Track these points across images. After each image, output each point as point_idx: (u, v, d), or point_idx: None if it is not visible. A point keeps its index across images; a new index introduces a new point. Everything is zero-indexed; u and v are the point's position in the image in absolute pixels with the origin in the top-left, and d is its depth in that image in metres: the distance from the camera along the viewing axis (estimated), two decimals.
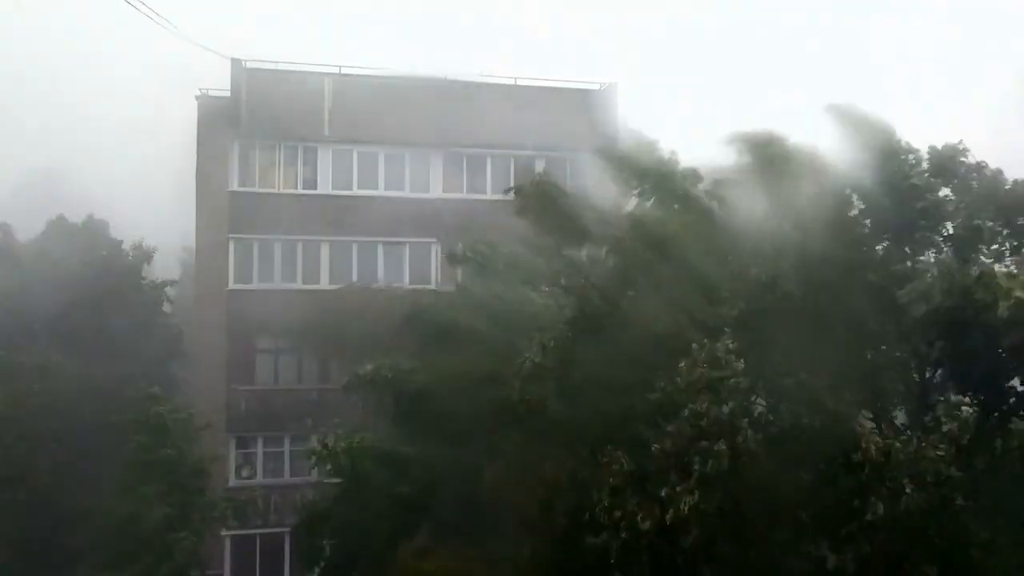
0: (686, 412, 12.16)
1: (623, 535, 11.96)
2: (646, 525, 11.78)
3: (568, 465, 12.65)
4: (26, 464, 27.63)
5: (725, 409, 11.96)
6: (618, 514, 11.95)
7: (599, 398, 13.55)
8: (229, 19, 62.17)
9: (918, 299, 14.20)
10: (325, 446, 20.63)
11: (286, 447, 30.60)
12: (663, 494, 11.83)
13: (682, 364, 12.55)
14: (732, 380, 12.21)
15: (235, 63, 30.87)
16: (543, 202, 15.87)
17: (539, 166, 32.39)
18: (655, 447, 12.36)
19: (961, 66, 70.46)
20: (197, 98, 31.72)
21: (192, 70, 34.82)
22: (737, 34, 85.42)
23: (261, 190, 31.27)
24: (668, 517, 11.65)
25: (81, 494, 26.43)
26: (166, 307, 37.43)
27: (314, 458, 21.72)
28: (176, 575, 23.36)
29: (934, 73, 68.49)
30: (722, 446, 11.60)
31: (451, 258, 22.08)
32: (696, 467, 11.72)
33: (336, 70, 31.75)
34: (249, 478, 30.18)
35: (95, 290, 32.74)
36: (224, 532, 28.27)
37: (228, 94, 31.09)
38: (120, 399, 27.49)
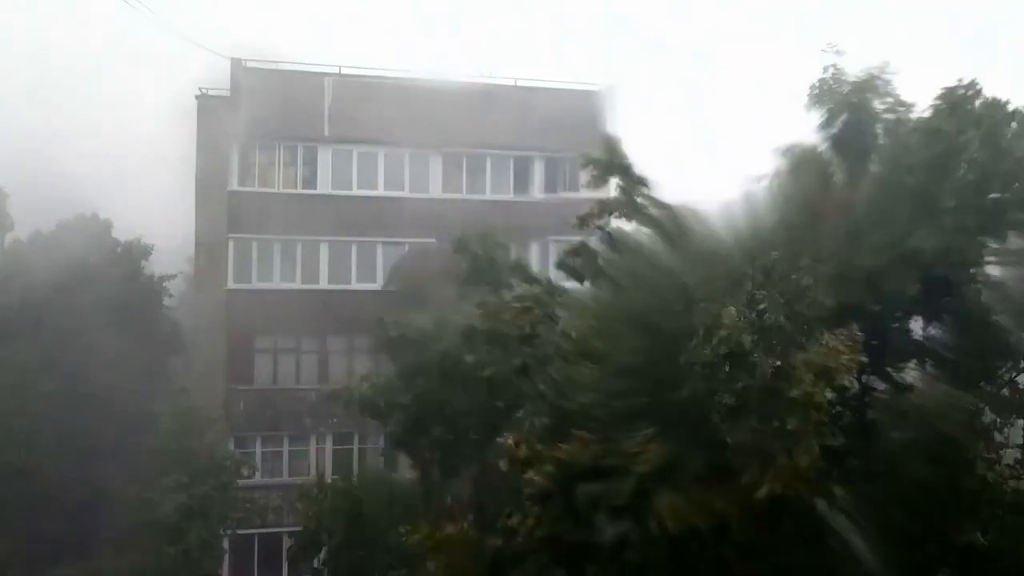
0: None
1: (648, 527, 11.87)
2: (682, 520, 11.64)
3: (593, 449, 12.53)
4: (37, 453, 27.82)
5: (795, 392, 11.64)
6: (643, 503, 11.83)
7: (632, 385, 13.39)
8: (229, 18, 62.13)
9: None
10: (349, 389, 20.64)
11: (285, 447, 30.60)
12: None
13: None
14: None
15: (235, 63, 30.91)
16: (612, 158, 15.30)
17: (538, 167, 32.48)
18: (729, 440, 12.11)
19: None
20: (197, 97, 31.71)
21: (192, 69, 34.80)
22: (735, 32, 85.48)
23: (261, 190, 31.28)
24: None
25: (98, 483, 26.62)
26: (167, 302, 37.46)
27: (342, 401, 21.72)
28: (189, 563, 23.50)
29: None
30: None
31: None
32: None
33: (336, 70, 31.76)
34: (248, 478, 30.13)
35: (97, 287, 32.80)
36: (222, 532, 28.26)
37: (228, 94, 31.10)
38: (132, 393, 27.59)
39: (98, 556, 25.75)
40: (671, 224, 14.95)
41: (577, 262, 16.26)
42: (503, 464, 13.27)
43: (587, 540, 12.68)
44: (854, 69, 16.96)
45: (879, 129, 16.69)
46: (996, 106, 15.81)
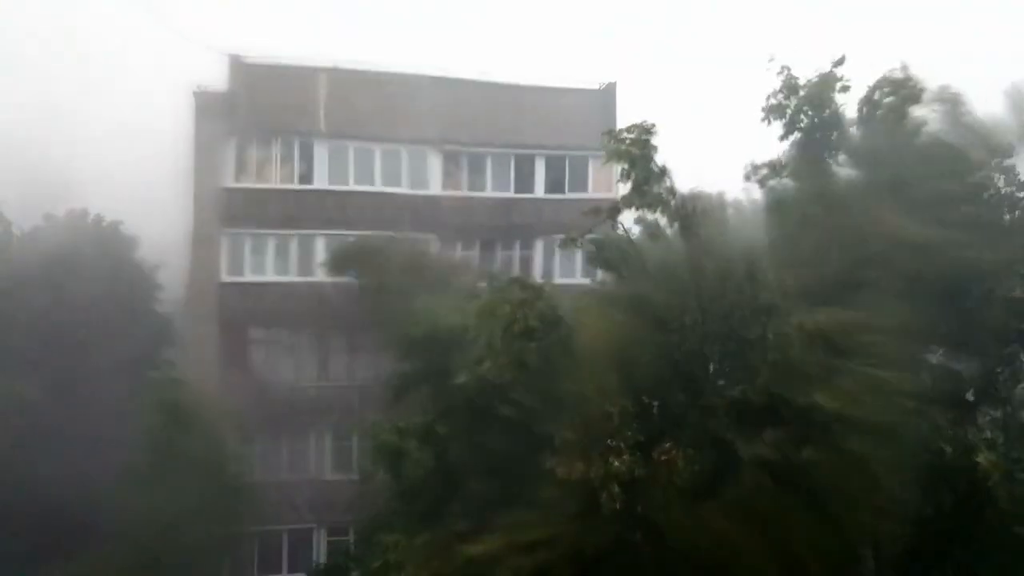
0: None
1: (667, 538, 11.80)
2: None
3: (626, 460, 12.38)
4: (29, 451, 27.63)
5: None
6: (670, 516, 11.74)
7: (663, 392, 13.24)
8: (225, 14, 61.92)
9: None
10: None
11: (283, 444, 30.44)
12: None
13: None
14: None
15: (232, 58, 30.71)
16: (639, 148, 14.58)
17: (540, 165, 32.36)
18: (748, 453, 12.02)
19: None
20: (194, 93, 31.52)
21: (189, 65, 34.64)
22: (733, 32, 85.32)
23: (257, 185, 31.10)
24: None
25: (91, 481, 26.40)
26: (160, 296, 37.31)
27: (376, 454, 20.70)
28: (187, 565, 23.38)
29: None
30: None
31: None
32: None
33: (332, 65, 31.56)
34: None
35: (89, 282, 32.67)
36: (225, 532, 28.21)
37: (224, 89, 30.91)
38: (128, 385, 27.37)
39: (92, 555, 25.52)
40: (698, 217, 14.51)
41: (603, 255, 15.87)
42: (551, 490, 12.86)
43: (610, 549, 12.50)
44: (809, 72, 16.87)
45: (845, 127, 16.61)
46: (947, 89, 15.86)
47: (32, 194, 36.32)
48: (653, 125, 14.52)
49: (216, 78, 31.01)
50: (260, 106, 30.46)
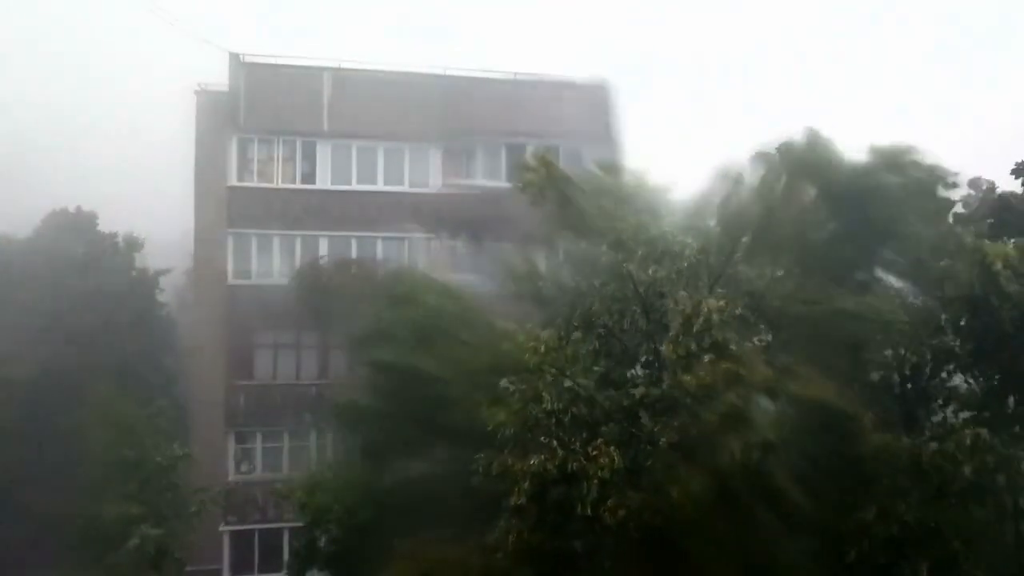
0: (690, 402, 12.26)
1: (608, 526, 12.20)
2: (630, 516, 11.99)
3: (559, 456, 12.82)
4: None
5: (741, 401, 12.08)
6: (603, 508, 12.17)
7: (596, 391, 13.71)
8: (228, 13, 62.09)
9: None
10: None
11: (285, 442, 30.58)
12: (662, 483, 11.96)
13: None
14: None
15: (234, 57, 30.87)
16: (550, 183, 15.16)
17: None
18: (662, 440, 12.51)
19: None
20: (196, 92, 31.64)
21: (191, 64, 34.76)
22: (732, 32, 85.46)
23: (260, 185, 31.20)
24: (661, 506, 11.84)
25: (46, 493, 26.08)
26: (162, 297, 37.29)
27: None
28: (146, 565, 23.24)
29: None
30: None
31: None
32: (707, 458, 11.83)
33: (335, 65, 31.68)
34: (248, 472, 30.15)
35: (84, 283, 32.64)
36: (223, 527, 28.32)
37: (227, 89, 31.03)
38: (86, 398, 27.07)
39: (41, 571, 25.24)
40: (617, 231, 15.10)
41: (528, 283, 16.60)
42: (477, 480, 13.38)
43: (563, 549, 12.92)
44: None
45: None
46: None
47: (32, 194, 36.39)
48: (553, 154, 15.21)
49: (218, 77, 31.18)
50: (263, 105, 30.57)
